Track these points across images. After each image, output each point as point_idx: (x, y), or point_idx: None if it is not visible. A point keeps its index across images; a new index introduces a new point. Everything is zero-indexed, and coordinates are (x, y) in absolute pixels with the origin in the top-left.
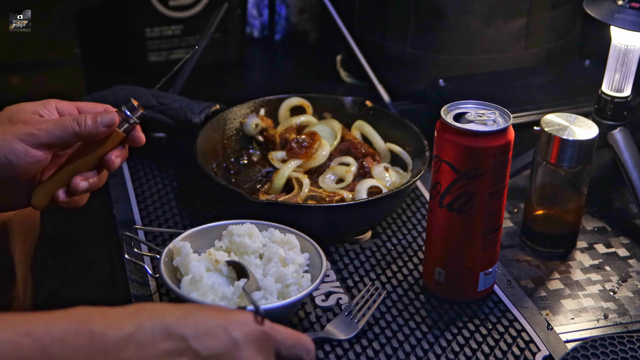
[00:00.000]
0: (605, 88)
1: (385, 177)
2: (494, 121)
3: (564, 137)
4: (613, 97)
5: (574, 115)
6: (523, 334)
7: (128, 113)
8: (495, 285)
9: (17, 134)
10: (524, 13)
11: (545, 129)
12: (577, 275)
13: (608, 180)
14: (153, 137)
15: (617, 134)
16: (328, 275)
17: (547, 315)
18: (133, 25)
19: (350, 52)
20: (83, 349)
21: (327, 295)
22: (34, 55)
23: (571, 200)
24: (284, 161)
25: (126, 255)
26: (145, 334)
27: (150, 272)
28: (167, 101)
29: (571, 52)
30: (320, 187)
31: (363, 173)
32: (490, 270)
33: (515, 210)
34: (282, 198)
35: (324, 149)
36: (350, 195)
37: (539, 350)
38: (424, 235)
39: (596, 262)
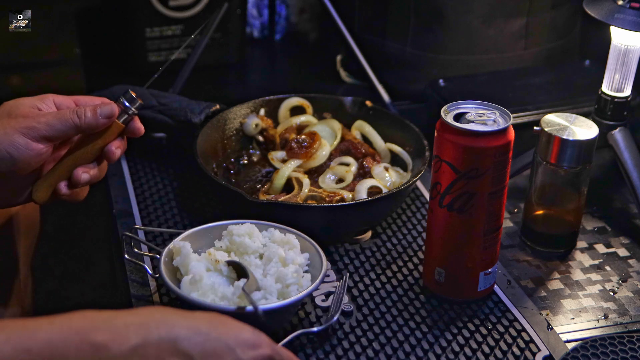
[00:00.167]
0: (605, 88)
1: (385, 177)
2: (494, 121)
3: (564, 137)
4: (613, 97)
5: (574, 115)
6: (523, 334)
7: (127, 104)
8: (495, 285)
9: (18, 128)
10: (524, 13)
11: (545, 129)
12: (577, 275)
13: (608, 180)
14: (153, 137)
15: (617, 134)
16: (328, 275)
17: (547, 315)
18: (133, 25)
19: (350, 52)
20: None
21: (327, 295)
22: (34, 55)
23: (571, 200)
24: (284, 161)
25: (126, 255)
26: (151, 347)
27: (150, 272)
28: (167, 101)
29: (571, 52)
30: (320, 187)
31: (363, 173)
32: (490, 270)
33: (515, 210)
34: (282, 198)
35: (324, 149)
36: (350, 195)
37: (539, 350)
38: (424, 235)
39: (596, 262)
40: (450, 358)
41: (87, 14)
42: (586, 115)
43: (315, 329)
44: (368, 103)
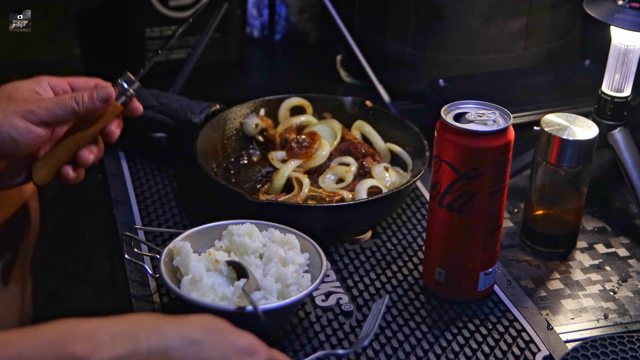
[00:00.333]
0: (605, 88)
1: (385, 177)
2: (494, 121)
3: (564, 137)
4: (613, 97)
5: (574, 115)
6: (523, 334)
7: (125, 86)
8: (495, 285)
9: (18, 112)
10: (524, 13)
11: (545, 129)
12: (577, 275)
13: (608, 180)
14: (153, 137)
15: (617, 134)
16: (328, 275)
17: (547, 315)
18: (133, 25)
19: (350, 52)
20: None
21: (327, 295)
22: (34, 55)
23: (571, 200)
24: (284, 161)
25: (126, 255)
26: (139, 358)
27: (150, 272)
28: (167, 101)
29: (571, 52)
30: (320, 187)
31: (363, 173)
32: (490, 270)
33: (515, 210)
34: (282, 198)
35: (324, 149)
36: (350, 195)
37: (539, 350)
38: (424, 235)
39: (596, 262)
40: (450, 358)
41: (87, 14)
42: (586, 115)
43: (341, 351)
44: (368, 103)
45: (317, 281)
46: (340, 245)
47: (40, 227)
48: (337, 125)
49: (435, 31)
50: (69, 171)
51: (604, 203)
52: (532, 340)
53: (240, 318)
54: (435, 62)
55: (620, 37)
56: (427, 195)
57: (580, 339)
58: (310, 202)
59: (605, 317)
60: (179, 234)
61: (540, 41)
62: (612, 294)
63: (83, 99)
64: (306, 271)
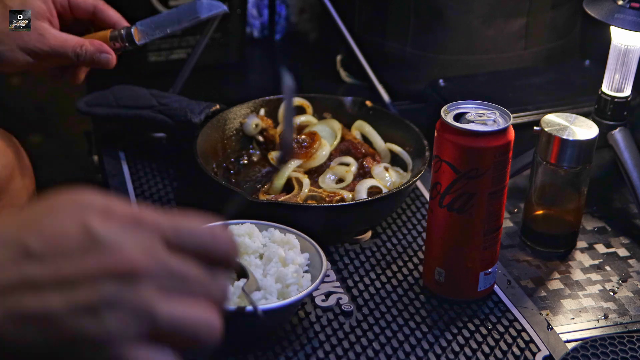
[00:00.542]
0: (605, 88)
1: (385, 177)
2: (494, 121)
3: (564, 137)
4: (613, 97)
5: (574, 115)
6: (523, 334)
7: (126, 45)
8: (495, 285)
9: (20, 44)
10: (524, 13)
11: (545, 129)
12: (577, 275)
13: (608, 180)
14: (153, 137)
15: (617, 134)
16: (328, 275)
17: (547, 315)
18: (133, 24)
19: (350, 52)
20: None
21: (327, 295)
22: None
23: (571, 200)
24: None
25: None
26: None
27: None
28: (167, 101)
29: (571, 52)
30: (320, 187)
31: (363, 173)
32: (490, 270)
33: (515, 210)
34: (282, 198)
35: (324, 149)
36: (350, 195)
37: (539, 350)
38: (424, 235)
39: (596, 262)
40: (450, 358)
41: None
42: (586, 115)
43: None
44: (368, 103)
45: (317, 281)
46: (340, 245)
47: None
48: (337, 125)
49: (435, 31)
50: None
51: (604, 203)
52: (532, 340)
53: (240, 318)
54: (435, 62)
55: (620, 37)
56: (427, 195)
57: (580, 339)
58: (310, 202)
59: (605, 317)
60: None
61: (540, 41)
62: (612, 294)
63: (85, 54)
64: (306, 271)
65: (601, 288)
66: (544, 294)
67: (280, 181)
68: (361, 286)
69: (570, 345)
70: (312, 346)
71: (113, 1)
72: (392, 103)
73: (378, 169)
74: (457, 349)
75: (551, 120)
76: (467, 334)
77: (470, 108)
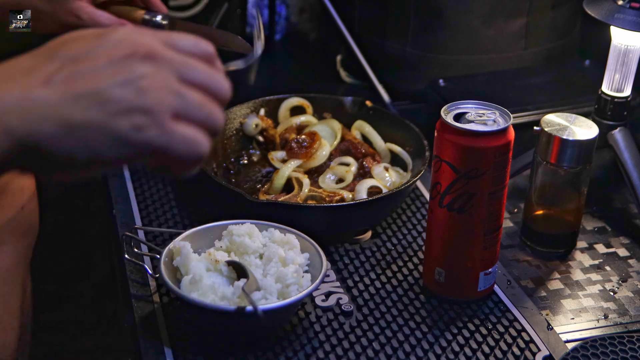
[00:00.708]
0: (605, 88)
1: (385, 177)
2: (494, 121)
3: (564, 137)
4: (613, 97)
5: (574, 115)
6: (523, 334)
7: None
8: (495, 285)
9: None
10: (524, 13)
11: (545, 129)
12: (577, 275)
13: (608, 180)
14: None
15: (617, 134)
16: (328, 275)
17: (547, 315)
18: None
19: (350, 52)
20: None
21: (327, 295)
22: None
23: (571, 200)
24: (284, 161)
25: (126, 255)
26: None
27: (150, 272)
28: None
29: (571, 52)
30: (320, 187)
31: (363, 173)
32: (490, 270)
33: (515, 210)
34: (282, 198)
35: (324, 149)
36: (350, 195)
37: (539, 350)
38: (424, 235)
39: (596, 262)
40: (450, 358)
41: None
42: (586, 115)
43: None
44: (368, 103)
45: (317, 281)
46: (340, 245)
47: (39, 229)
48: (337, 125)
49: (435, 31)
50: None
51: (604, 203)
52: (532, 340)
53: (240, 318)
54: (435, 62)
55: (620, 37)
56: (427, 195)
57: (580, 339)
58: (310, 202)
59: (605, 317)
60: (179, 234)
61: (540, 41)
62: (612, 294)
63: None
64: (306, 271)
65: (601, 288)
66: (544, 294)
67: (280, 181)
68: (361, 286)
69: (570, 345)
70: (312, 346)
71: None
72: (392, 103)
73: (378, 169)
74: (457, 349)
75: (551, 120)
76: (467, 334)
77: (470, 108)
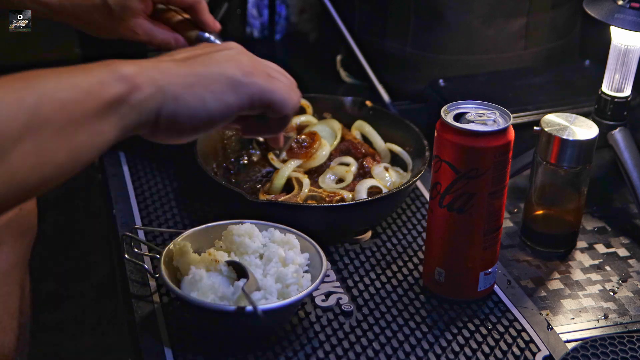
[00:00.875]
0: (605, 88)
1: (385, 177)
2: (494, 121)
3: (564, 137)
4: (613, 97)
5: (574, 115)
6: (523, 334)
7: (209, 36)
8: (495, 285)
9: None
10: (524, 13)
11: (545, 129)
12: (577, 275)
13: (608, 180)
14: None
15: (617, 134)
16: (328, 275)
17: (547, 315)
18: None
19: (350, 52)
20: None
21: (327, 295)
22: (34, 55)
23: (571, 200)
24: (284, 161)
25: (126, 255)
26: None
27: (150, 272)
28: None
29: (571, 52)
30: (320, 187)
31: (363, 173)
32: (490, 270)
33: (515, 210)
34: (282, 198)
35: (324, 149)
36: (350, 195)
37: (539, 350)
38: (424, 235)
39: (596, 262)
40: (450, 358)
41: None
42: (586, 115)
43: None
44: (368, 103)
45: (317, 281)
46: (340, 245)
47: (39, 229)
48: (337, 125)
49: (435, 31)
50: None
51: (604, 203)
52: (532, 340)
53: (240, 318)
54: (435, 62)
55: (620, 37)
56: (427, 195)
57: (580, 339)
58: (310, 202)
59: (605, 317)
60: (179, 234)
61: (540, 41)
62: (612, 294)
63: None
64: (306, 271)
65: (601, 288)
66: (544, 294)
67: (280, 181)
68: (361, 286)
69: (570, 345)
70: (312, 346)
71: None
72: (392, 103)
73: (378, 169)
74: (457, 349)
75: (551, 120)
76: (467, 334)
77: (470, 108)
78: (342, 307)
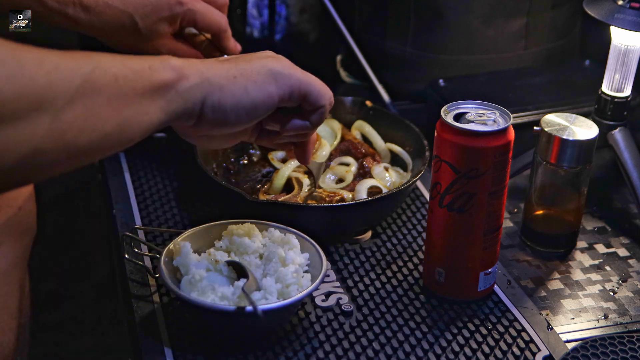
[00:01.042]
0: (605, 88)
1: (385, 177)
2: (494, 121)
3: (564, 137)
4: (613, 97)
5: (574, 115)
6: (523, 334)
7: None
8: (495, 285)
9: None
10: (524, 13)
11: (545, 129)
12: (577, 275)
13: (608, 180)
14: (153, 137)
15: (617, 134)
16: (328, 275)
17: (547, 315)
18: None
19: (350, 52)
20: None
21: (327, 295)
22: None
23: (571, 200)
24: (284, 161)
25: (126, 255)
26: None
27: (150, 272)
28: None
29: (571, 52)
30: (320, 187)
31: (363, 173)
32: (490, 270)
33: (515, 210)
34: (282, 198)
35: (324, 149)
36: (350, 195)
37: (539, 350)
38: (424, 235)
39: (596, 262)
40: (450, 358)
41: None
42: (586, 115)
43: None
44: (368, 103)
45: (317, 281)
46: (340, 245)
47: (39, 229)
48: (337, 125)
49: (435, 31)
50: None
51: (604, 203)
52: (532, 340)
53: (240, 318)
54: (435, 62)
55: (620, 37)
56: (427, 195)
57: (580, 339)
58: (310, 202)
59: (605, 317)
60: (179, 234)
61: (540, 41)
62: (612, 294)
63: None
64: (306, 271)
65: (601, 288)
66: (544, 294)
67: (280, 181)
68: (361, 286)
69: (570, 345)
70: (312, 346)
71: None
72: (392, 103)
73: (378, 169)
74: (457, 349)
75: (551, 120)
76: (467, 334)
77: (470, 108)
78: (342, 307)
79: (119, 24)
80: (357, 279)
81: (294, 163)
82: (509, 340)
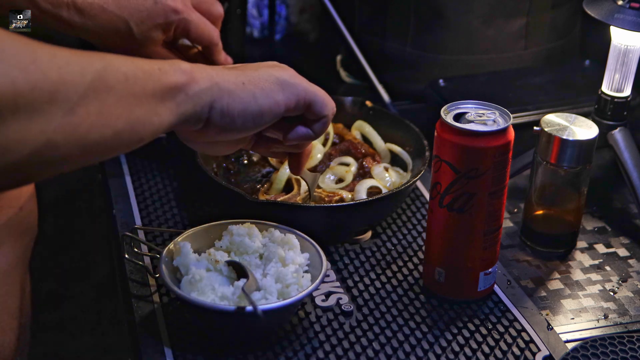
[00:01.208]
0: (605, 88)
1: (385, 177)
2: (494, 121)
3: (564, 137)
4: (613, 97)
5: (574, 115)
6: (523, 334)
7: None
8: (495, 285)
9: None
10: (524, 13)
11: (545, 129)
12: (577, 275)
13: (608, 180)
14: None
15: (617, 134)
16: (328, 275)
17: (547, 315)
18: None
19: (350, 52)
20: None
21: (327, 295)
22: None
23: (571, 200)
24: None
25: (126, 255)
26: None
27: (150, 272)
28: None
29: (571, 52)
30: (320, 187)
31: (363, 173)
32: (490, 270)
33: (515, 210)
34: (282, 198)
35: (315, 149)
36: (350, 195)
37: (539, 350)
38: (424, 235)
39: (596, 262)
40: (450, 358)
41: None
42: (586, 115)
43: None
44: (368, 103)
45: (317, 281)
46: (340, 245)
47: (39, 229)
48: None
49: (435, 31)
50: None
51: (604, 203)
52: (532, 340)
53: (240, 318)
54: (435, 62)
55: (620, 37)
56: (427, 195)
57: (580, 339)
58: (310, 202)
59: (605, 317)
60: (179, 234)
61: (540, 41)
62: (612, 294)
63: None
64: (306, 271)
65: (601, 288)
66: (544, 294)
67: (280, 181)
68: (361, 286)
69: (570, 345)
70: (312, 346)
71: None
72: (392, 103)
73: (378, 169)
74: (457, 349)
75: (551, 120)
76: (467, 334)
77: (470, 108)
78: (342, 307)
79: (114, 28)
80: (357, 279)
81: None
82: (509, 340)
